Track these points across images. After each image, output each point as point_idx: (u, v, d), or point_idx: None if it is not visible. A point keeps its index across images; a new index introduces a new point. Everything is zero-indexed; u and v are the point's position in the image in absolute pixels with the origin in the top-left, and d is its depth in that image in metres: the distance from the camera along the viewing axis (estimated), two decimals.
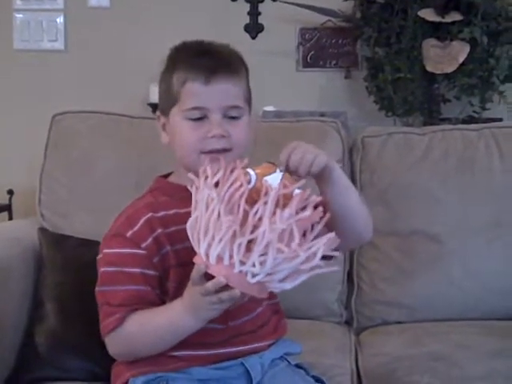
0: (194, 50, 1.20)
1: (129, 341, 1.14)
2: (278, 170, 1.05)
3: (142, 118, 1.76)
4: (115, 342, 1.15)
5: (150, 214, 1.17)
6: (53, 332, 1.43)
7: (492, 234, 1.64)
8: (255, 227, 0.97)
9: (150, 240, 1.16)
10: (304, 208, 1.00)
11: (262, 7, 2.29)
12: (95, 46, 2.31)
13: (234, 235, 0.97)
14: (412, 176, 1.68)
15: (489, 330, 1.53)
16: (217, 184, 1.01)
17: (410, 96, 2.03)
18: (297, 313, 1.58)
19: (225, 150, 1.16)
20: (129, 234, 1.16)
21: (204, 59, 1.17)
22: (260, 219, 0.97)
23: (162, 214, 1.17)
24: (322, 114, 2.01)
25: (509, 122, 2.06)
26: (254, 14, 2.30)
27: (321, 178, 1.10)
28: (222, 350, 1.18)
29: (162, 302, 1.15)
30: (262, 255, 0.96)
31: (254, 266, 0.96)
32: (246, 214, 0.98)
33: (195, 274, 1.02)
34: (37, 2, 2.33)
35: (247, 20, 2.30)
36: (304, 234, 0.99)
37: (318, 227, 1.00)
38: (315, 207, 1.02)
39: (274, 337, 1.24)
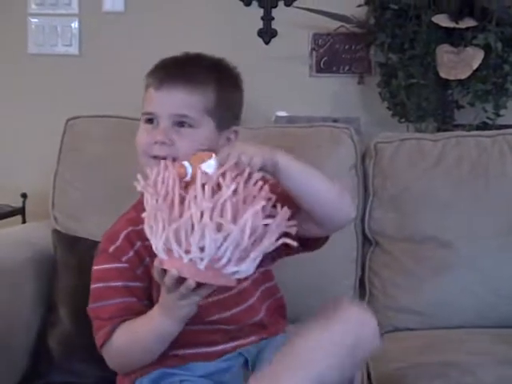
0: (166, 60, 1.22)
1: (120, 352, 1.17)
2: (213, 157, 1.05)
3: None
4: (109, 355, 1.18)
5: (129, 229, 1.20)
6: (66, 336, 1.44)
7: (505, 240, 1.63)
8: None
9: (131, 253, 1.19)
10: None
11: (275, 12, 2.30)
12: (109, 50, 2.32)
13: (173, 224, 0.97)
14: (425, 182, 1.68)
15: (501, 337, 1.53)
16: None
17: (424, 102, 2.02)
18: (308, 318, 1.57)
19: (171, 159, 1.14)
20: (111, 249, 1.20)
21: (166, 67, 1.20)
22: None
23: (141, 227, 1.16)
24: (335, 120, 2.01)
25: None
26: (268, 19, 2.31)
27: (270, 173, 1.10)
28: (221, 347, 1.19)
29: None
30: (202, 240, 0.96)
31: (195, 251, 0.97)
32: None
33: (154, 272, 1.05)
34: (51, 7, 2.34)
35: (261, 25, 2.30)
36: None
37: (257, 200, 0.99)
38: (258, 184, 1.01)
39: (273, 332, 1.24)
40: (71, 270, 1.52)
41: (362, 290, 1.71)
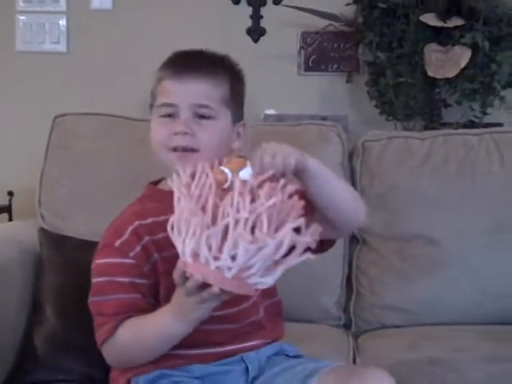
0: (179, 53, 1.22)
1: (122, 349, 1.15)
2: (248, 164, 1.04)
3: (143, 120, 1.76)
4: (110, 352, 1.16)
5: (137, 223, 1.18)
6: (52, 334, 1.43)
7: (492, 238, 1.64)
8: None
9: (138, 248, 1.17)
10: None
11: (264, 11, 2.30)
12: (97, 48, 2.31)
13: (208, 230, 0.96)
14: (412, 180, 1.69)
15: (487, 334, 1.53)
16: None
17: (411, 100, 2.02)
18: (295, 316, 1.58)
19: (191, 150, 1.16)
20: (117, 243, 1.17)
21: (181, 60, 1.20)
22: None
23: (150, 220, 1.17)
24: (324, 118, 2.01)
25: (509, 127, 2.06)
26: (256, 17, 2.31)
27: (296, 174, 1.09)
28: (221, 349, 1.19)
29: (155, 310, 1.14)
30: (234, 248, 0.95)
31: (226, 260, 0.95)
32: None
33: (176, 274, 1.03)
34: (39, 4, 2.33)
35: (249, 23, 2.30)
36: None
37: (293, 214, 0.98)
38: (294, 197, 1.00)
39: (271, 337, 1.25)
40: (57, 269, 1.51)
41: (349, 288, 1.71)
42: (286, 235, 0.96)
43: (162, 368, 1.16)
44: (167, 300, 1.12)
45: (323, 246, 1.19)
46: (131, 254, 1.16)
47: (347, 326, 1.70)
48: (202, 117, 1.17)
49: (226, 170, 1.02)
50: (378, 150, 1.73)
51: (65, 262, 1.52)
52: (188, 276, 1.00)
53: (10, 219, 2.15)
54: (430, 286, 1.63)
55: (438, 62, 2.00)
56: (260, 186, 1.00)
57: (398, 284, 1.65)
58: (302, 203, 1.01)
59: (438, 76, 2.00)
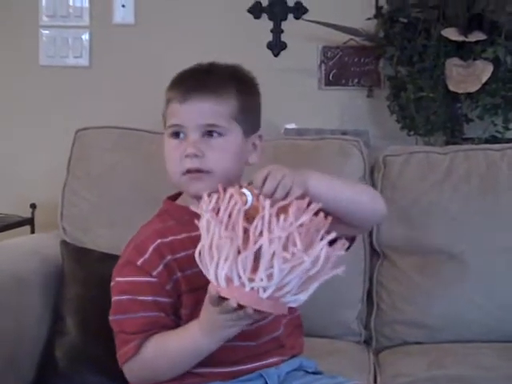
0: (183, 72, 1.22)
1: (147, 367, 1.14)
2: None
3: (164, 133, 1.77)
4: (134, 369, 1.15)
5: (158, 241, 1.17)
6: (73, 346, 1.44)
7: None
8: (256, 242, 0.96)
9: (160, 267, 1.16)
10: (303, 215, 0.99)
11: (284, 25, 2.30)
12: (119, 62, 2.33)
13: (239, 254, 0.96)
14: (433, 195, 1.68)
15: (508, 351, 1.52)
16: (218, 210, 1.01)
17: (433, 115, 2.02)
18: (315, 331, 1.57)
19: (202, 171, 1.15)
20: (139, 262, 1.16)
21: (185, 80, 1.19)
22: (261, 234, 0.96)
23: (170, 239, 1.17)
24: (344, 133, 2.01)
25: None
26: (277, 31, 2.31)
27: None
28: (242, 367, 1.18)
29: (177, 327, 1.14)
30: (269, 268, 0.95)
31: (262, 280, 0.96)
32: (248, 233, 0.98)
33: (209, 299, 1.02)
34: (63, 19, 2.36)
35: (270, 38, 2.31)
36: (311, 243, 0.98)
37: (322, 231, 0.99)
38: (316, 215, 1.01)
39: (291, 353, 1.24)
40: (78, 281, 1.52)
41: (370, 303, 1.70)
42: (322, 250, 0.96)
43: None
44: (189, 318, 1.12)
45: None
46: (154, 273, 1.16)
47: (368, 342, 1.69)
48: (211, 135, 1.16)
49: (247, 192, 1.02)
50: (399, 164, 1.72)
51: (86, 274, 1.53)
52: (223, 298, 1.00)
53: (33, 231, 2.17)
54: (452, 302, 1.62)
55: (459, 76, 2.00)
56: (284, 206, 1.00)
57: (420, 299, 1.64)
58: (329, 219, 1.02)
59: (460, 91, 1.99)
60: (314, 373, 1.24)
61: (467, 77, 1.99)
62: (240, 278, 0.96)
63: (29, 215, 2.19)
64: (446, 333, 1.62)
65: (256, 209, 1.00)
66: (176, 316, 1.17)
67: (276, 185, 1.03)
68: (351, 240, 1.21)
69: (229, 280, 0.98)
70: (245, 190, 1.02)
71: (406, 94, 2.04)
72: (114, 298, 1.18)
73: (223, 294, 0.99)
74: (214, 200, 1.02)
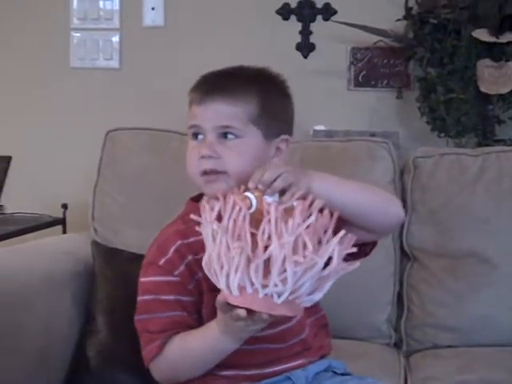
0: (205, 75, 1.23)
1: (171, 365, 1.16)
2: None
3: None
4: (158, 368, 1.17)
5: (179, 242, 1.19)
6: (104, 346, 1.45)
7: None
8: (266, 247, 0.95)
9: (182, 267, 1.18)
10: (310, 215, 0.98)
11: (313, 27, 2.30)
12: (149, 64, 2.34)
13: (249, 261, 0.96)
14: (464, 197, 1.66)
15: None
16: (220, 217, 1.00)
17: (463, 117, 2.00)
18: (345, 333, 1.57)
19: (218, 172, 1.15)
20: (161, 262, 1.18)
21: (205, 82, 1.21)
22: (269, 238, 0.96)
23: (191, 240, 1.17)
24: (373, 134, 2.00)
25: None
26: (306, 33, 2.31)
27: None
28: (268, 370, 1.18)
29: (200, 326, 1.15)
30: (282, 273, 0.95)
31: (276, 286, 0.95)
32: (255, 237, 0.97)
33: (218, 307, 1.03)
34: (93, 22, 2.38)
35: (299, 39, 2.31)
36: (319, 242, 0.97)
37: (330, 230, 0.98)
38: (321, 212, 1.00)
39: (319, 354, 1.24)
40: (109, 281, 1.53)
41: (400, 306, 1.69)
42: (334, 250, 0.96)
43: None
44: (211, 317, 1.12)
45: (365, 249, 1.18)
46: (176, 273, 1.17)
47: (398, 344, 1.68)
48: (226, 137, 1.16)
49: (251, 196, 1.01)
50: (429, 166, 1.71)
51: (116, 274, 1.54)
52: (232, 306, 1.00)
53: (64, 231, 2.19)
54: (483, 304, 1.61)
55: (490, 77, 1.98)
56: (290, 208, 0.99)
57: (450, 302, 1.62)
58: (335, 216, 1.01)
59: (491, 92, 1.97)
60: (342, 374, 1.24)
61: (499, 78, 1.97)
62: (253, 285, 0.96)
63: (60, 215, 2.21)
64: (477, 336, 1.61)
65: (261, 212, 1.00)
66: (199, 315, 1.18)
67: (275, 177, 1.03)
68: (372, 245, 1.20)
69: (241, 288, 0.97)
70: (248, 194, 1.02)
71: (436, 96, 2.03)
72: (139, 298, 1.20)
73: (236, 303, 0.98)
74: (216, 208, 1.01)
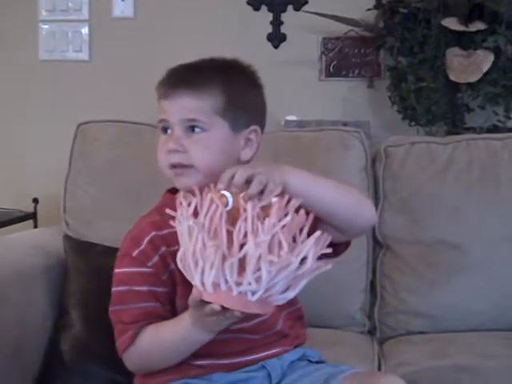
0: (170, 69, 1.22)
1: (143, 356, 1.16)
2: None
3: None
4: (131, 358, 1.18)
5: (153, 233, 1.19)
6: (77, 340, 1.44)
7: None
8: (242, 245, 0.95)
9: (155, 258, 1.18)
10: (286, 215, 0.98)
11: (284, 17, 2.30)
12: (119, 56, 2.32)
13: (224, 258, 0.96)
14: (435, 185, 1.68)
15: None
16: (196, 214, 1.00)
17: (433, 106, 2.01)
18: (319, 322, 1.58)
19: (185, 166, 1.15)
20: (135, 253, 1.18)
21: (169, 76, 1.20)
22: (245, 236, 0.96)
23: (166, 231, 1.17)
24: (345, 124, 2.00)
25: None
26: (277, 23, 2.31)
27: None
28: (243, 358, 1.19)
29: (173, 317, 1.15)
30: (256, 272, 0.95)
31: (250, 284, 0.95)
32: (231, 234, 0.97)
33: (192, 302, 1.03)
34: (62, 13, 2.35)
35: (270, 29, 2.30)
36: (294, 240, 0.98)
37: (305, 230, 0.99)
38: (297, 211, 1.00)
39: (294, 344, 1.25)
40: (82, 275, 1.53)
41: (374, 294, 1.71)
42: (310, 250, 0.96)
43: (185, 377, 1.17)
44: (184, 308, 1.12)
45: (339, 248, 1.18)
46: (149, 264, 1.18)
47: (372, 332, 1.70)
48: (193, 130, 1.16)
49: (227, 194, 1.01)
50: (400, 155, 1.72)
51: (89, 268, 1.54)
52: (206, 301, 1.00)
53: (35, 226, 2.18)
54: (455, 291, 1.62)
55: (460, 66, 1.99)
56: (266, 206, 0.99)
57: (423, 289, 1.64)
58: (311, 216, 1.01)
59: (461, 80, 1.98)
60: (317, 362, 1.25)
61: (468, 66, 1.98)
62: (227, 282, 0.96)
63: (31, 210, 2.19)
64: (449, 322, 1.63)
65: (237, 209, 1.00)
66: (172, 306, 1.18)
67: (245, 178, 1.02)
68: (345, 245, 1.21)
69: (215, 285, 0.97)
70: (224, 192, 1.01)
71: (406, 85, 2.04)
72: (113, 289, 1.20)
73: (210, 300, 0.99)
74: (193, 204, 1.01)
